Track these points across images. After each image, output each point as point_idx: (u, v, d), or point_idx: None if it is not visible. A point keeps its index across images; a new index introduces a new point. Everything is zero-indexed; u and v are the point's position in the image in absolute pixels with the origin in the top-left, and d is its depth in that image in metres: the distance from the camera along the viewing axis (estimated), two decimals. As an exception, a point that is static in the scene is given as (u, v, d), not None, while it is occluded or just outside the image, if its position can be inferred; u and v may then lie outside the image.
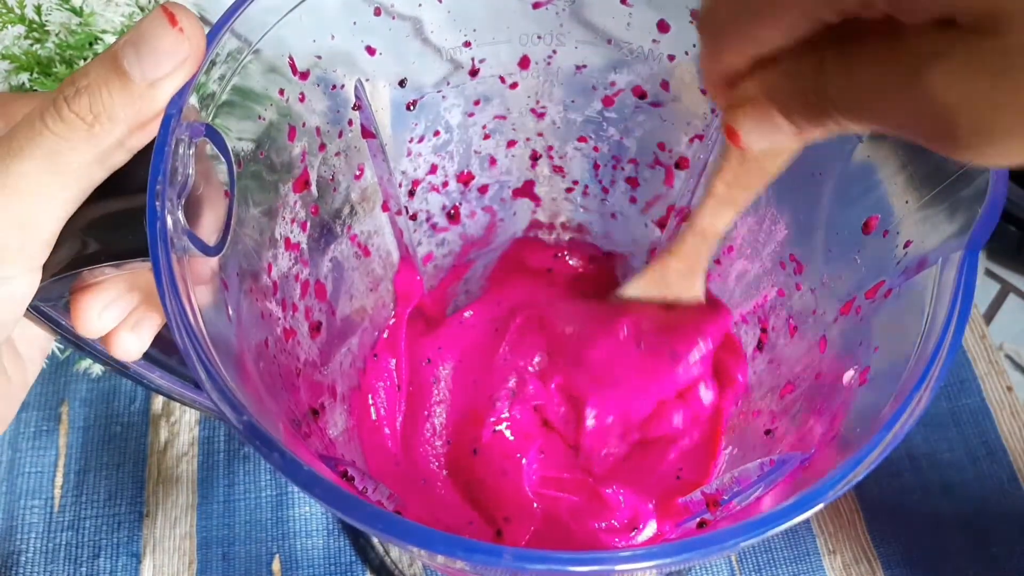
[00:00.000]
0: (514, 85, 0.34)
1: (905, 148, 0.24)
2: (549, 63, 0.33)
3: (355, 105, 0.31)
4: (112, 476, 0.43)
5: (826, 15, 0.17)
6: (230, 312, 0.24)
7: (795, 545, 0.42)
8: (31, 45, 0.40)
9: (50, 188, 0.21)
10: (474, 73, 0.33)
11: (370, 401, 0.38)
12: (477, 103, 0.34)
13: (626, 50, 0.32)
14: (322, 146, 0.30)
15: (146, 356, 0.27)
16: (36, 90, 0.40)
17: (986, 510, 0.42)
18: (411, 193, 0.37)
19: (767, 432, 0.32)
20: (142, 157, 0.22)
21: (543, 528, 0.36)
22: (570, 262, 0.43)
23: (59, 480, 0.43)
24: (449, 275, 0.42)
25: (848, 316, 0.27)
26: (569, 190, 0.39)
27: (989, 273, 0.50)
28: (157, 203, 0.20)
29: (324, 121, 0.30)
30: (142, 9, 0.42)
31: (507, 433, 0.39)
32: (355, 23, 0.29)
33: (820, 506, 0.19)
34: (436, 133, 0.35)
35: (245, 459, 0.44)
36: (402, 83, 0.32)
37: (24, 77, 0.40)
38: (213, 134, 0.23)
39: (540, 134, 0.36)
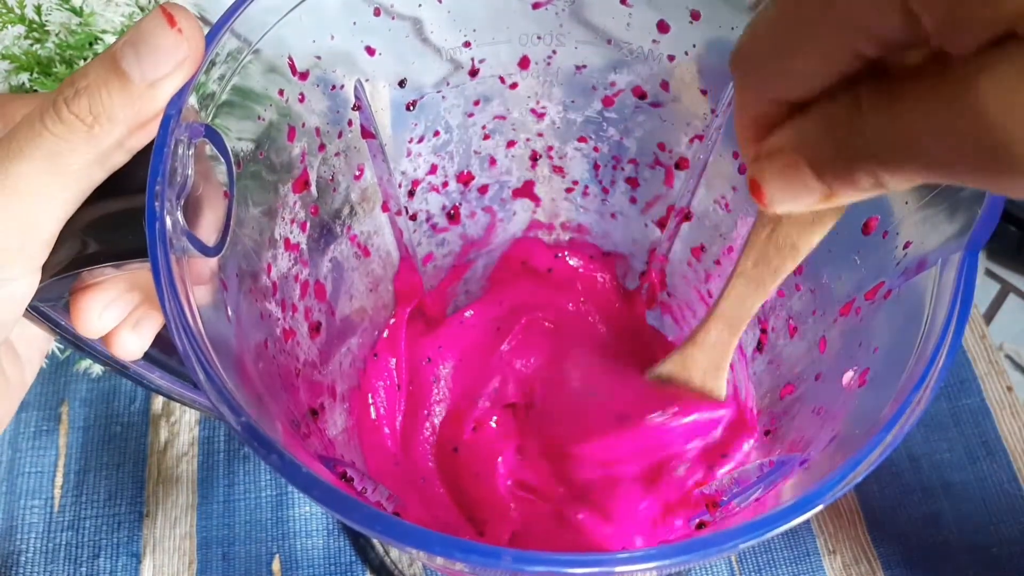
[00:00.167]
0: (514, 85, 0.34)
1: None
2: (549, 63, 0.33)
3: (355, 105, 0.31)
4: (112, 476, 0.43)
5: (864, 46, 0.15)
6: (229, 313, 0.24)
7: (795, 545, 0.42)
8: (31, 45, 0.40)
9: (50, 189, 0.21)
10: (474, 73, 0.33)
11: (370, 400, 0.39)
12: (477, 103, 0.34)
13: (626, 50, 0.31)
14: (322, 146, 0.30)
15: (146, 356, 0.27)
16: (36, 90, 0.40)
17: (986, 510, 0.42)
18: (411, 193, 0.37)
19: (767, 432, 0.32)
20: (141, 158, 0.22)
21: (522, 530, 0.36)
22: (570, 262, 0.43)
23: (59, 480, 0.43)
24: (449, 275, 0.42)
25: (848, 317, 0.27)
26: (569, 190, 0.39)
27: (989, 273, 0.50)
28: (156, 204, 0.20)
29: (324, 121, 0.30)
30: (142, 9, 0.42)
31: (485, 432, 0.39)
32: (355, 23, 0.29)
33: (820, 507, 0.19)
34: (436, 133, 0.35)
35: (245, 459, 0.44)
36: (402, 83, 0.32)
37: (24, 77, 0.40)
38: (212, 134, 0.23)
39: (540, 134, 0.36)
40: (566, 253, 0.43)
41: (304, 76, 0.28)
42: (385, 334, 0.40)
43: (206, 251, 0.22)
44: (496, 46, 0.32)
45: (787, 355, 0.32)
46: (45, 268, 0.22)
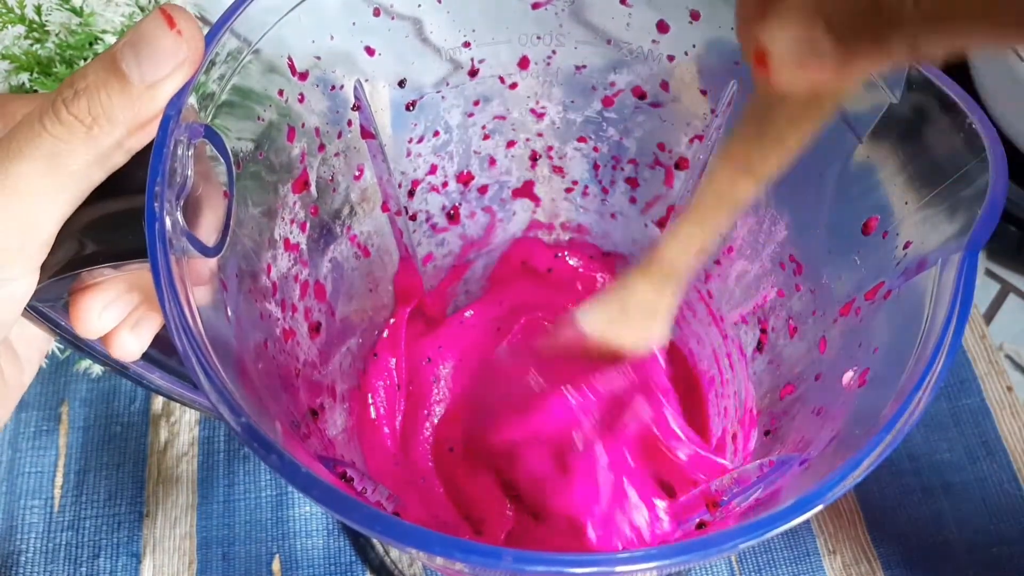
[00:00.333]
0: (514, 85, 0.34)
1: (905, 148, 0.24)
2: (549, 63, 0.33)
3: (354, 105, 0.31)
4: (112, 476, 0.43)
5: None
6: (229, 313, 0.24)
7: (795, 545, 0.42)
8: (31, 45, 0.40)
9: (49, 189, 0.21)
10: (474, 73, 0.33)
11: (370, 400, 0.38)
12: (477, 103, 0.34)
13: (626, 50, 0.31)
14: (321, 147, 0.30)
15: (146, 356, 0.27)
16: (36, 90, 0.40)
17: (986, 510, 0.42)
18: (411, 193, 0.37)
19: (767, 433, 0.32)
20: (141, 158, 0.22)
21: (518, 530, 0.36)
22: (570, 262, 0.43)
23: (59, 480, 0.43)
24: (449, 275, 0.42)
25: (848, 317, 0.27)
26: (569, 190, 0.39)
27: (989, 273, 0.50)
28: (156, 204, 0.20)
29: (323, 122, 0.30)
30: (142, 9, 0.42)
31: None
32: (354, 23, 0.29)
33: (820, 507, 0.19)
34: (436, 133, 0.35)
35: (245, 459, 0.44)
36: (402, 83, 0.32)
37: (24, 77, 0.40)
38: (212, 135, 0.23)
39: (540, 134, 0.36)
40: (566, 253, 0.43)
41: (304, 76, 0.28)
42: (385, 334, 0.40)
43: (206, 251, 0.22)
44: (496, 46, 0.32)
45: (787, 355, 0.32)
46: (44, 268, 0.22)
